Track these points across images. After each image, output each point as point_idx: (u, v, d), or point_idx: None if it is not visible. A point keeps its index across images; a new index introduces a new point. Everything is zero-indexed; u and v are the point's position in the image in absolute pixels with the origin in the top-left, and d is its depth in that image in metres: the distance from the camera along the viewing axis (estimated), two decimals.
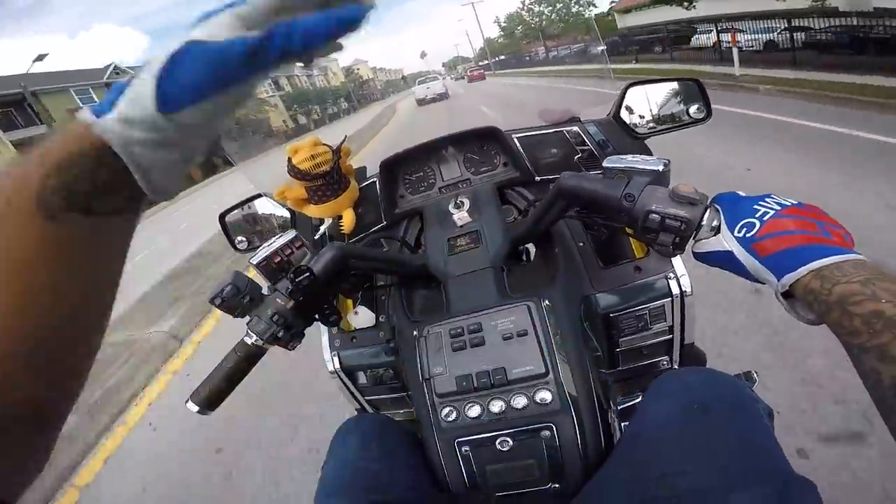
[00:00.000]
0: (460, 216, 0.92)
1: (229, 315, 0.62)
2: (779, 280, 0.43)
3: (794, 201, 0.48)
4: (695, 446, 0.52)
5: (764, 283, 0.47)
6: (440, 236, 0.91)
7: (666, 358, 0.87)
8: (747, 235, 0.47)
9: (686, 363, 0.88)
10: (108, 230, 0.29)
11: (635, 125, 0.98)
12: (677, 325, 0.82)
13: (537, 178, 0.99)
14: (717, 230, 0.51)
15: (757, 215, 0.47)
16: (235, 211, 1.08)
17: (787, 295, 0.44)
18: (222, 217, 1.08)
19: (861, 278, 0.38)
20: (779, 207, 0.47)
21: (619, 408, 0.82)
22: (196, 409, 0.58)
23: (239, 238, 1.07)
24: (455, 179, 1.07)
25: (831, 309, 0.38)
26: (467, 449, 0.64)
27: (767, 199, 0.49)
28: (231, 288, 0.61)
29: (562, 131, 0.99)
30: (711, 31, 11.79)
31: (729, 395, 0.58)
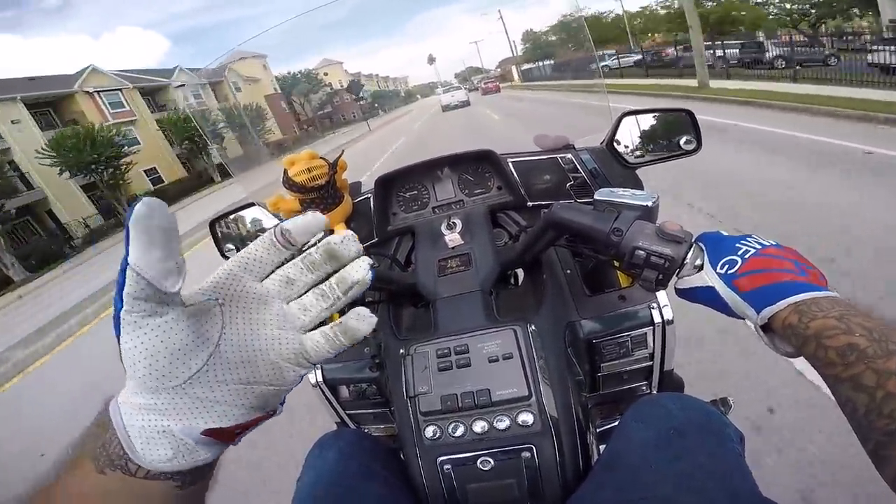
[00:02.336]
0: (452, 238, 0.93)
1: None
2: (758, 313, 0.45)
3: (773, 242, 0.51)
4: (670, 470, 0.54)
5: (744, 318, 0.49)
6: (431, 256, 0.91)
7: (645, 384, 0.88)
8: (729, 272, 0.49)
9: (665, 389, 0.89)
10: (149, 491, 0.30)
11: (627, 154, 1.00)
12: (658, 352, 0.83)
13: (529, 204, 1.00)
14: (699, 268, 0.53)
15: (739, 253, 0.50)
16: (226, 218, 1.08)
17: (766, 329, 0.46)
18: (212, 224, 1.08)
19: (836, 314, 0.40)
20: (759, 247, 0.50)
21: (598, 430, 0.83)
22: None
23: (228, 246, 1.07)
24: (449, 200, 1.08)
25: (808, 342, 0.40)
26: (449, 467, 0.64)
27: (749, 239, 0.52)
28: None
29: (555, 157, 1.01)
30: None
31: (702, 421, 0.59)
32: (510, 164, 1.02)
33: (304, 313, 0.34)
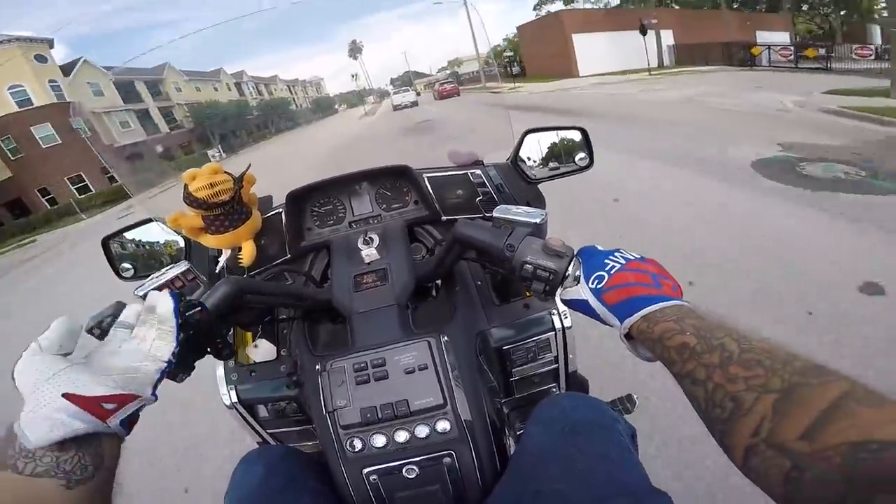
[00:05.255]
0: (368, 253, 0.93)
1: None
2: (621, 324, 0.52)
3: (636, 256, 0.58)
4: (565, 465, 0.59)
5: (612, 327, 0.55)
6: (347, 272, 0.91)
7: (555, 385, 0.95)
8: (598, 286, 0.56)
9: (571, 389, 0.96)
10: (37, 490, 0.37)
11: (530, 170, 1.08)
12: (561, 355, 0.90)
13: (444, 218, 1.04)
14: (578, 280, 0.59)
15: (606, 269, 0.56)
16: (122, 236, 0.99)
17: (629, 337, 0.53)
18: (105, 241, 0.99)
19: (675, 317, 0.46)
20: (623, 262, 0.57)
21: (517, 433, 0.89)
22: None
23: (124, 265, 0.99)
24: (366, 215, 1.09)
25: (655, 345, 0.47)
26: (375, 477, 0.66)
27: (616, 254, 0.59)
28: (111, 319, 0.58)
29: (466, 173, 1.06)
30: None
31: (594, 418, 0.66)
32: (425, 179, 1.05)
33: (144, 342, 0.49)
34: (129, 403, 0.44)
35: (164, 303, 0.52)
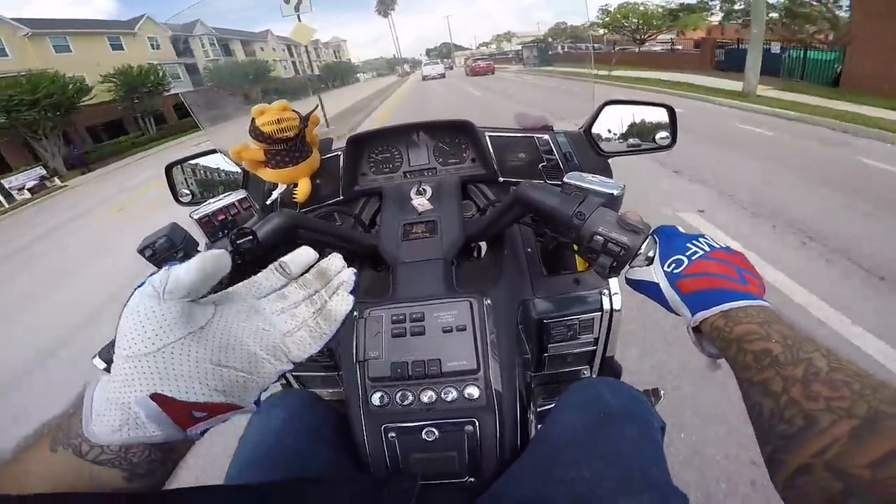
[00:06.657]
0: (420, 202, 0.92)
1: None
2: (692, 316, 0.47)
3: (723, 245, 0.52)
4: (595, 453, 0.56)
5: (679, 315, 0.51)
6: (396, 220, 0.90)
7: (587, 367, 0.91)
8: (675, 271, 0.51)
9: (604, 374, 0.92)
10: (96, 477, 0.33)
11: (603, 142, 1.00)
12: (602, 338, 0.86)
13: (500, 179, 1.00)
14: (650, 261, 0.54)
15: (687, 253, 0.51)
16: (184, 164, 1.02)
17: (697, 330, 0.48)
18: (169, 168, 1.02)
19: (760, 320, 0.42)
20: (708, 249, 0.51)
21: (538, 409, 0.86)
22: (104, 365, 0.52)
23: (184, 191, 1.02)
24: (422, 166, 1.06)
25: (730, 345, 0.42)
26: (394, 435, 0.64)
27: (700, 240, 0.53)
28: (165, 240, 0.58)
29: (532, 137, 1.00)
30: None
31: (630, 408, 0.62)
32: (487, 138, 1.01)
33: (293, 318, 0.41)
34: (222, 413, 0.36)
35: (342, 302, 0.43)
